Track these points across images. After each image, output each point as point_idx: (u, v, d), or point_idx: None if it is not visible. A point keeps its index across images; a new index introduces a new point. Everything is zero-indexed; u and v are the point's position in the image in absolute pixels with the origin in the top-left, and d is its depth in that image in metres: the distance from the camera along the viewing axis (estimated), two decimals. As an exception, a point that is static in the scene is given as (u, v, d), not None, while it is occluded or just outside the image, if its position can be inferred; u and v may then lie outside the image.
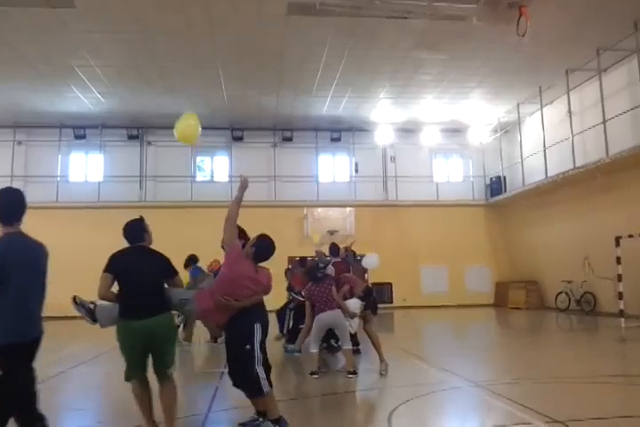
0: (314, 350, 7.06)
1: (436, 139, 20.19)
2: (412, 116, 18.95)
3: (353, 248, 9.91)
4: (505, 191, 19.82)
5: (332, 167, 20.93)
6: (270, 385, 4.49)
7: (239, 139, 19.91)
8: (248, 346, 4.35)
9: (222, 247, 4.73)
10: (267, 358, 4.68)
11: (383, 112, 18.59)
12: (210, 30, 12.30)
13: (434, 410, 5.66)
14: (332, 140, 20.33)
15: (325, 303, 6.98)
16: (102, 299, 4.40)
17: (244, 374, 4.40)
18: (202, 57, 13.81)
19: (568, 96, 15.45)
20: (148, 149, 19.71)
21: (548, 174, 16.26)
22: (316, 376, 6.87)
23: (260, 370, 4.38)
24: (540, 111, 16.95)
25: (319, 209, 19.67)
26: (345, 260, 9.75)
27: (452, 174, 21.42)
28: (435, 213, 20.11)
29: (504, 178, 20.11)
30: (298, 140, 20.22)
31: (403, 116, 19.03)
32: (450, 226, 19.94)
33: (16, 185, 17.10)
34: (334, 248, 9.72)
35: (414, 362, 6.94)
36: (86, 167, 19.72)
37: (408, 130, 19.98)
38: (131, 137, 19.39)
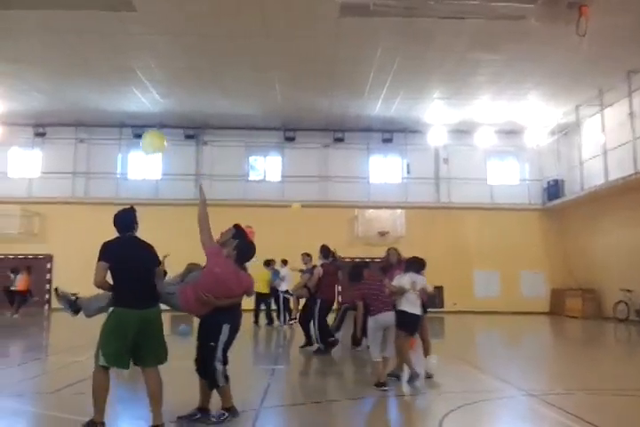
0: (377, 358, 6.52)
1: (491, 140, 19.76)
2: (466, 116, 18.64)
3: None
4: (563, 195, 19.22)
5: (384, 168, 20.82)
6: (227, 379, 4.80)
7: (291, 139, 20.09)
8: (212, 343, 4.70)
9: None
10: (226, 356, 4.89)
11: (436, 113, 18.36)
12: (264, 33, 12.46)
13: (485, 418, 5.55)
14: (384, 140, 20.23)
15: (383, 302, 6.60)
16: (99, 288, 4.50)
17: (204, 367, 4.78)
18: (256, 59, 14.00)
19: (630, 98, 14.87)
20: (203, 148, 20.14)
21: (609, 178, 15.67)
22: (384, 388, 6.28)
23: (219, 366, 4.73)
24: (599, 113, 16.36)
25: (370, 210, 19.61)
26: (334, 262, 10.15)
27: (508, 177, 20.93)
28: (488, 217, 19.71)
29: (562, 182, 19.50)
30: (349, 141, 20.23)
31: (456, 117, 18.74)
32: (504, 230, 19.49)
33: (78, 182, 17.95)
34: (325, 250, 10.19)
35: (466, 369, 6.81)
36: (144, 165, 20.34)
37: (462, 131, 19.66)
38: (187, 137, 19.87)
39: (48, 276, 19.06)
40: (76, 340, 10.63)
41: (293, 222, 18.68)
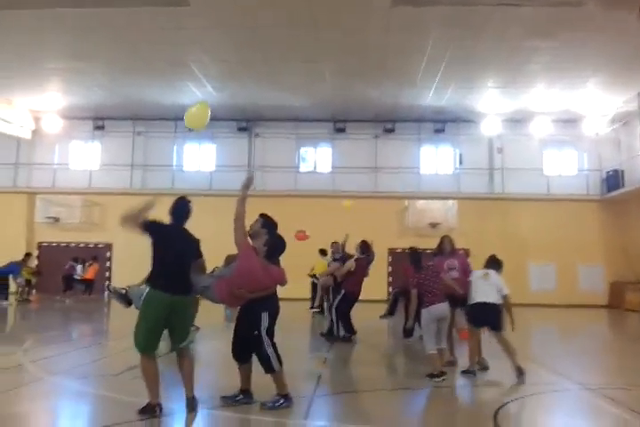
0: (432, 351, 6.42)
1: (548, 129, 19.19)
2: (521, 105, 18.16)
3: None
4: (623, 186, 18.49)
5: (435, 159, 20.57)
6: (280, 364, 4.97)
7: (342, 130, 20.10)
8: (256, 332, 4.90)
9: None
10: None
11: (490, 102, 17.97)
12: (315, 23, 12.48)
13: (541, 411, 5.47)
14: (436, 131, 19.97)
15: (436, 293, 6.50)
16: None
17: (258, 355, 4.97)
18: (307, 50, 14.06)
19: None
20: (255, 140, 20.42)
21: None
22: (438, 380, 6.20)
23: (270, 351, 4.93)
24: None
25: (421, 201, 19.44)
26: (367, 257, 9.96)
27: (565, 167, 20.30)
28: (544, 208, 19.20)
29: (621, 172, 18.76)
30: (400, 132, 20.08)
31: (511, 106, 18.29)
32: (560, 221, 18.95)
33: (135, 173, 18.51)
34: (364, 246, 10.01)
35: (522, 362, 6.72)
36: (199, 157, 20.81)
37: (517, 120, 19.17)
38: (240, 129, 20.20)
39: (108, 264, 19.88)
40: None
41: (344, 213, 18.71)
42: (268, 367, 4.96)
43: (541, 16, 11.65)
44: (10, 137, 19.66)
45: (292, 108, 18.97)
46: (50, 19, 12.31)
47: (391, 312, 10.53)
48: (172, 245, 4.72)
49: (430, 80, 15.96)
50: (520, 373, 6.35)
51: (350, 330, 9.56)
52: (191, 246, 4.88)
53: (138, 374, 5.16)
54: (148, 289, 4.68)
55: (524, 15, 11.67)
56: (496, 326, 6.62)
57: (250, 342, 4.98)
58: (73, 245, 19.66)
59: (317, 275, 11.74)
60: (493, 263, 7.10)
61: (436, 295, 6.49)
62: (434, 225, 18.78)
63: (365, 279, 10.04)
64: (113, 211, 19.86)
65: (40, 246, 20.20)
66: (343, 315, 9.60)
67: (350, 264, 9.75)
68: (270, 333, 5.00)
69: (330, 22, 12.39)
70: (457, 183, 19.84)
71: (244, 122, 20.15)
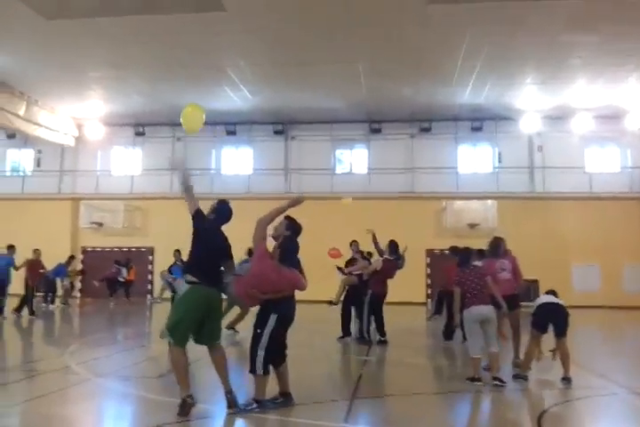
0: (475, 355, 6.30)
1: (589, 126, 18.66)
2: (561, 102, 17.74)
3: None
4: (670, 183, 17.87)
5: (473, 158, 20.29)
6: (266, 372, 4.93)
7: (377, 131, 20.02)
8: (259, 330, 4.93)
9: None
10: (282, 348, 5.11)
11: (529, 99, 17.62)
12: (349, 24, 12.47)
13: (586, 415, 5.36)
14: (473, 129, 19.69)
15: (477, 295, 6.36)
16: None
17: (250, 352, 4.98)
18: (341, 51, 14.05)
19: None
20: (291, 143, 20.54)
21: None
22: (478, 384, 6.15)
23: (261, 353, 4.88)
24: None
25: (459, 201, 19.19)
26: (396, 260, 9.74)
27: (607, 164, 19.73)
28: (587, 207, 18.70)
29: (669, 168, 18.13)
30: (436, 131, 19.87)
31: (551, 103, 17.88)
32: (604, 220, 18.43)
33: (175, 178, 18.67)
34: (393, 246, 9.81)
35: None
36: (236, 161, 21.04)
37: (557, 117, 18.73)
38: (276, 132, 20.36)
39: (150, 267, 20.29)
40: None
41: (381, 214, 18.65)
42: (252, 368, 4.94)
43: (581, 9, 11.37)
44: (54, 144, 20.31)
45: (327, 110, 19.00)
46: (90, 28, 12.66)
47: (438, 311, 10.41)
48: (212, 240, 4.98)
49: (467, 77, 15.76)
50: (567, 382, 6.20)
51: (383, 333, 9.47)
52: (225, 247, 5.09)
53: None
54: (186, 284, 4.89)
55: (564, 9, 11.40)
56: (562, 331, 6.41)
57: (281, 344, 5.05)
58: (116, 249, 20.13)
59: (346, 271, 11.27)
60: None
61: (477, 296, 6.36)
62: (472, 226, 18.51)
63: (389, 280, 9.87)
64: (154, 215, 20.35)
65: (84, 251, 20.77)
66: (378, 317, 9.51)
67: (377, 264, 9.64)
68: (274, 336, 4.95)
69: (365, 21, 12.33)
70: (496, 182, 19.50)
71: (280, 125, 20.29)
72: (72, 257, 17.87)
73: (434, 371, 7.82)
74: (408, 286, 18.62)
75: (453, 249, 10.12)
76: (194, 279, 4.86)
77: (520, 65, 14.83)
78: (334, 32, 12.89)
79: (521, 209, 18.75)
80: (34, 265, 13.92)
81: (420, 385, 6.49)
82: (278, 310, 4.97)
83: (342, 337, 9.77)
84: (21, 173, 21.97)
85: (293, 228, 5.23)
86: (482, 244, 7.80)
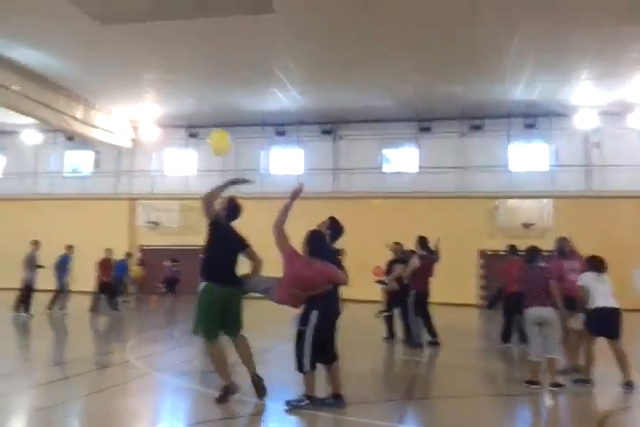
0: (534, 358, 6.17)
1: (649, 121, 17.95)
2: (618, 97, 17.09)
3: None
4: None
5: (527, 156, 19.81)
6: (313, 367, 4.97)
7: (426, 129, 19.82)
8: (302, 328, 5.02)
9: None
10: (330, 346, 5.12)
11: (585, 94, 17.05)
12: (396, 22, 12.39)
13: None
14: (526, 126, 19.21)
15: (537, 296, 6.20)
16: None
17: (295, 350, 5.04)
18: (389, 50, 13.95)
19: None
20: (339, 143, 20.59)
21: None
22: (536, 387, 6.03)
23: (307, 351, 4.94)
24: None
25: (512, 200, 18.77)
26: (430, 255, 9.56)
27: (670, 161, 18.89)
28: (647, 206, 17.96)
29: None
30: (488, 129, 19.49)
31: (607, 98, 17.25)
32: (667, 220, 17.65)
33: (226, 178, 18.96)
34: (423, 241, 9.68)
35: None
36: (286, 161, 21.24)
37: (614, 113, 18.05)
38: (324, 132, 20.45)
39: (203, 265, 20.69)
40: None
41: (430, 214, 18.48)
42: (298, 366, 5.04)
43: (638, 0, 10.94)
44: (112, 146, 21.05)
45: (376, 109, 18.94)
46: (144, 32, 13.02)
47: (492, 306, 10.18)
48: (226, 241, 5.19)
49: (519, 73, 15.39)
50: (629, 386, 6.00)
51: (434, 333, 9.32)
52: (238, 243, 5.31)
53: (236, 371, 5.39)
54: (203, 284, 5.11)
55: (620, 0, 10.99)
56: (615, 333, 6.24)
57: (324, 344, 5.08)
58: (172, 247, 20.68)
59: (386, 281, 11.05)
60: (599, 264, 6.72)
61: (537, 298, 6.19)
62: (527, 225, 18.08)
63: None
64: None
65: (141, 249, 21.42)
66: (426, 317, 9.32)
67: (414, 262, 9.35)
68: (318, 334, 5.00)
69: (413, 19, 12.21)
70: (551, 181, 18.95)
71: (329, 125, 20.37)
72: (129, 254, 18.46)
73: (489, 373, 7.69)
74: (459, 287, 18.41)
75: (512, 248, 9.97)
76: (208, 280, 5.12)
77: (574, 60, 14.38)
78: (383, 30, 12.84)
79: (577, 208, 18.17)
80: (106, 263, 14.48)
81: (475, 387, 6.42)
82: (319, 306, 5.05)
83: (388, 338, 9.73)
84: (80, 174, 22.84)
85: (334, 228, 5.38)
86: (537, 244, 7.62)
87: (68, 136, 21.77)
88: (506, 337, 9.27)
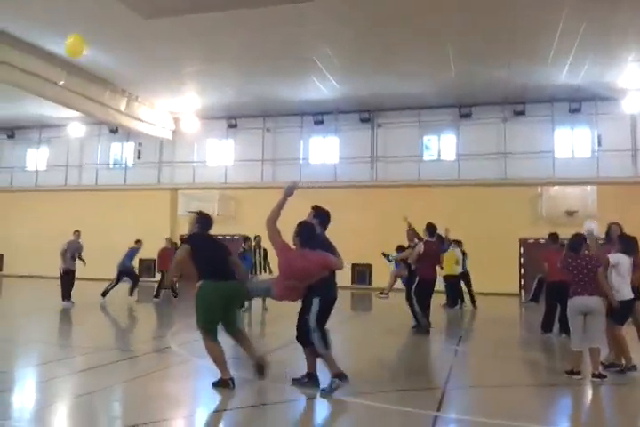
0: (576, 348, 6.06)
1: None
2: (669, 79, 16.42)
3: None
4: None
5: (571, 141, 19.27)
6: (328, 347, 5.24)
7: (467, 116, 19.48)
8: (307, 316, 5.25)
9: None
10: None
11: (632, 77, 16.42)
12: (438, 7, 12.19)
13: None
14: (571, 111, 18.67)
15: (584, 285, 6.02)
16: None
17: (308, 337, 5.26)
18: (429, 35, 13.78)
19: None
20: (377, 130, 20.45)
21: None
22: (577, 377, 5.95)
23: (316, 335, 5.19)
24: None
25: (555, 187, 18.34)
26: (437, 241, 9.58)
27: None
28: (699, 191, 17.26)
29: None
30: (531, 114, 19.03)
31: (658, 80, 16.59)
32: None
33: (266, 168, 19.35)
34: (431, 228, 9.63)
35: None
36: (324, 150, 21.27)
37: (665, 95, 17.36)
38: (362, 120, 20.34)
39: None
40: (271, 312, 11.68)
41: (471, 202, 18.25)
42: (317, 351, 5.26)
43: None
44: (154, 138, 21.48)
45: (415, 96, 18.71)
46: (184, 25, 13.23)
47: (535, 299, 10.02)
48: (208, 246, 5.49)
49: (564, 56, 14.94)
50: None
51: (427, 322, 9.25)
52: (222, 246, 5.63)
53: (276, 359, 5.49)
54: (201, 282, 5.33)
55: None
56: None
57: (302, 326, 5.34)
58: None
59: (391, 258, 11.06)
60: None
61: (584, 287, 6.03)
62: (570, 213, 17.64)
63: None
64: (247, 204, 21.06)
65: (182, 238, 21.84)
66: (422, 305, 9.27)
67: (419, 248, 9.32)
68: (320, 318, 5.25)
69: (453, 3, 12.02)
70: (596, 167, 18.40)
71: (367, 113, 20.24)
72: (175, 243, 18.87)
73: (529, 363, 7.59)
74: (500, 276, 18.14)
75: (552, 236, 9.77)
76: (208, 278, 5.31)
77: (621, 41, 13.84)
78: (422, 15, 12.64)
79: (623, 195, 17.58)
80: (167, 253, 14.67)
81: (515, 377, 6.35)
82: (318, 293, 5.27)
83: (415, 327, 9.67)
84: (123, 166, 23.41)
85: (320, 215, 5.57)
86: (580, 232, 7.43)
87: (112, 129, 22.31)
88: (547, 327, 9.13)
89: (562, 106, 18.74)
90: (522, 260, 18.39)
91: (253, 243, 12.63)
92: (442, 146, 20.44)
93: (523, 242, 18.37)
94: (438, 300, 13.94)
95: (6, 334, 7.21)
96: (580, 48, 14.25)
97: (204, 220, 5.78)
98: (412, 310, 9.44)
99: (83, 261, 13.19)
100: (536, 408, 5.13)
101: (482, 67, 15.96)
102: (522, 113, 19.00)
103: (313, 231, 5.44)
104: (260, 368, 5.40)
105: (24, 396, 5.10)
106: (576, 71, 16.05)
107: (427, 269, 9.36)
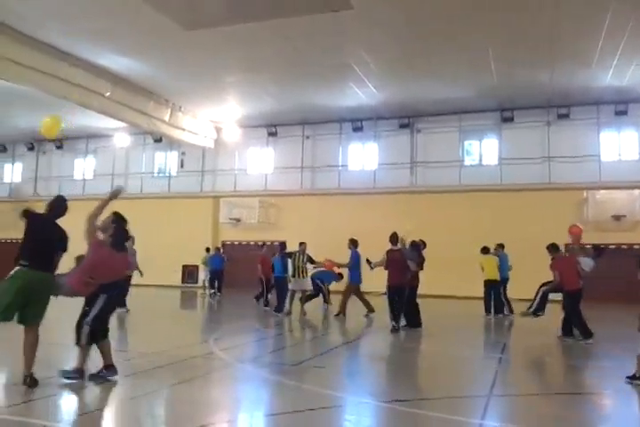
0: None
1: None
2: None
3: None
4: None
5: (617, 144, 18.72)
6: (89, 343, 5.54)
7: (509, 119, 19.18)
8: (87, 308, 5.58)
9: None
10: (105, 326, 5.71)
11: (683, 77, 15.89)
12: (478, 10, 12.09)
13: None
14: (617, 113, 18.16)
15: None
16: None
17: (76, 326, 5.55)
18: (468, 39, 13.64)
19: None
20: (417, 136, 20.33)
21: None
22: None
23: (86, 327, 5.49)
24: None
25: (602, 191, 17.84)
26: (401, 249, 9.98)
27: None
28: None
29: None
30: (575, 117, 18.61)
31: None
32: None
33: (305, 175, 19.46)
34: (393, 238, 10.10)
35: None
36: (363, 157, 21.24)
37: None
38: (402, 126, 20.27)
39: (283, 260, 21.14)
40: (313, 319, 11.69)
41: (513, 207, 17.95)
42: (77, 340, 5.55)
43: None
44: (196, 147, 21.93)
45: (455, 101, 18.54)
46: (225, 36, 13.48)
47: (539, 310, 9.84)
48: (42, 231, 5.44)
49: (609, 58, 14.57)
50: None
51: (397, 321, 9.77)
52: (57, 237, 5.53)
53: (317, 364, 5.49)
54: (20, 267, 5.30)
55: None
56: None
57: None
58: (252, 242, 21.28)
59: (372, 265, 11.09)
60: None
61: None
62: (618, 218, 17.11)
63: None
64: (286, 210, 21.25)
65: (224, 244, 22.19)
66: (392, 308, 9.79)
67: (382, 259, 10.04)
68: (101, 314, 5.57)
69: (492, 5, 11.89)
70: (644, 170, 17.84)
71: (406, 119, 20.17)
72: (218, 249, 19.16)
73: (572, 370, 7.39)
74: (533, 283, 17.65)
75: (554, 246, 10.26)
76: (24, 263, 5.27)
77: (672, 40, 13.42)
78: (462, 19, 12.55)
79: (674, 199, 17.01)
80: (265, 260, 14.69)
81: (559, 384, 6.20)
82: (108, 291, 5.61)
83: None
84: (167, 174, 23.95)
85: (117, 221, 5.82)
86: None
87: (156, 138, 22.87)
88: (567, 331, 9.22)
89: (607, 108, 18.26)
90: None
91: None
92: (483, 150, 20.16)
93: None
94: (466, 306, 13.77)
95: (58, 338, 7.43)
96: (626, 48, 13.87)
97: (58, 204, 5.71)
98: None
99: (140, 272, 12.25)
100: (582, 417, 4.98)
101: (523, 69, 15.71)
102: (566, 116, 18.60)
103: (126, 234, 5.85)
104: (28, 382, 5.18)
105: (72, 400, 5.26)
106: (622, 73, 15.63)
107: (391, 275, 9.95)
